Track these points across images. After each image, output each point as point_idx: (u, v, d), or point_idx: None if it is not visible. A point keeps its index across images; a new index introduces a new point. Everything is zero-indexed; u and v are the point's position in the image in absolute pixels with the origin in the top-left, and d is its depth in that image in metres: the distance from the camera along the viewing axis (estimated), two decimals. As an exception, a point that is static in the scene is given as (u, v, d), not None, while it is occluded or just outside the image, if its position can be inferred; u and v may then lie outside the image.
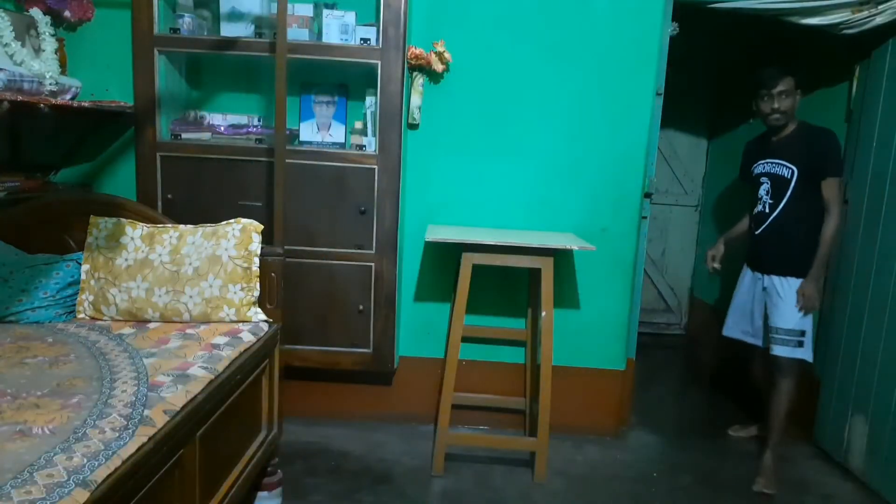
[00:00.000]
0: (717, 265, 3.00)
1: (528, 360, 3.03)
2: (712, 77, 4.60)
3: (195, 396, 1.65)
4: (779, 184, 2.74)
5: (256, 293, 2.26)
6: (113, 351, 1.88)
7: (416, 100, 2.80)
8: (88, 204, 2.40)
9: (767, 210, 2.78)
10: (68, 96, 2.56)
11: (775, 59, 3.09)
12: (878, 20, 2.66)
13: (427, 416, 3.07)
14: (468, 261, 2.61)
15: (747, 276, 2.97)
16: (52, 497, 1.12)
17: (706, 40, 4.22)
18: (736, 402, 3.64)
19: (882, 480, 2.66)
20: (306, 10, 2.64)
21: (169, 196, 2.68)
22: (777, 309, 2.76)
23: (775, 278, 2.77)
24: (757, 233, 2.83)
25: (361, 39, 2.62)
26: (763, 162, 2.82)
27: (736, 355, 3.31)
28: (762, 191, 2.81)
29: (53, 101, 2.39)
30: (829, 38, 2.86)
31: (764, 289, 2.84)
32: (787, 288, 2.73)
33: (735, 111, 4.15)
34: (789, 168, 2.71)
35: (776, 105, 2.70)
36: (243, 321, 2.22)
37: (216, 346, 1.97)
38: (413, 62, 2.73)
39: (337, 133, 2.81)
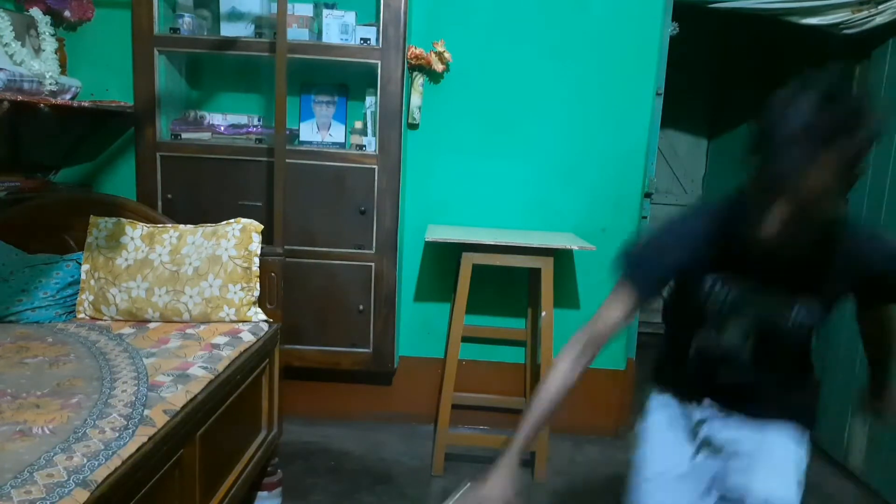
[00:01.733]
0: None
1: (528, 360, 3.02)
2: (712, 77, 4.60)
3: (195, 396, 1.65)
4: (776, 337, 1.38)
5: (256, 293, 2.26)
6: (113, 351, 1.88)
7: (416, 100, 2.80)
8: (88, 204, 2.40)
9: (747, 363, 1.43)
10: (68, 96, 2.56)
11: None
12: (878, 20, 2.66)
13: (427, 416, 3.07)
14: (468, 261, 2.61)
15: (666, 415, 1.67)
16: (52, 497, 1.12)
17: (706, 40, 4.22)
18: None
19: (882, 480, 2.66)
20: (306, 10, 2.64)
21: (169, 196, 2.68)
22: (759, 470, 1.40)
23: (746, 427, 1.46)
24: (720, 378, 1.49)
25: (361, 39, 2.62)
26: (740, 288, 1.37)
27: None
28: (735, 332, 1.42)
29: (53, 101, 2.38)
30: (829, 38, 2.86)
31: (709, 443, 1.51)
32: (771, 438, 1.44)
33: (735, 111, 4.15)
34: (810, 311, 1.33)
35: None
36: (243, 321, 2.22)
37: (216, 346, 1.97)
38: (413, 62, 2.73)
39: (337, 133, 2.81)
